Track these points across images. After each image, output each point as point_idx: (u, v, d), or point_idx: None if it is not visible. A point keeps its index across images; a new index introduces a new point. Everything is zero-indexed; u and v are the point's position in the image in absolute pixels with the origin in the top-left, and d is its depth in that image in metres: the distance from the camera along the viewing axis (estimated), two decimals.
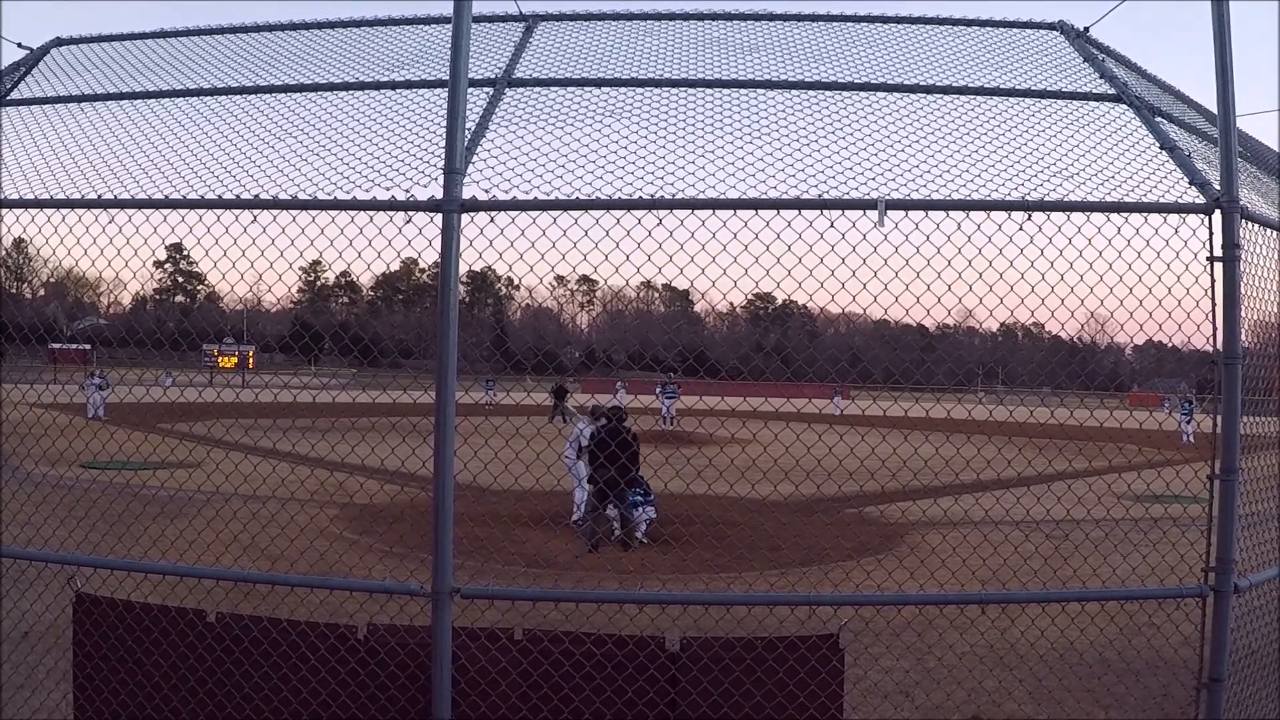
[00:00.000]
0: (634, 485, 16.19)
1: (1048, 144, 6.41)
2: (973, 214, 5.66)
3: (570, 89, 6.91)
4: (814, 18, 7.84)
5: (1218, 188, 5.67)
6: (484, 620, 6.46)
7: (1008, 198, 5.72)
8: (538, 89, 6.93)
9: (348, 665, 5.84)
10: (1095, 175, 6.06)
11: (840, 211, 5.61)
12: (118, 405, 41.83)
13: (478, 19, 7.35)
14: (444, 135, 5.68)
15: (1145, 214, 5.68)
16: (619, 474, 15.78)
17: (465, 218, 5.62)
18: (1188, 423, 45.38)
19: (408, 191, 5.82)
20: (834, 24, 7.82)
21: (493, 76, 6.94)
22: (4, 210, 6.48)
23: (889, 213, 5.53)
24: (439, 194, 5.61)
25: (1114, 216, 5.68)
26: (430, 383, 5.63)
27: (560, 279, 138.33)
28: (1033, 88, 6.98)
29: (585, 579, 13.63)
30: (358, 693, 5.84)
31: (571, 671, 5.74)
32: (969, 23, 7.81)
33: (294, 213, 6.05)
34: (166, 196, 6.20)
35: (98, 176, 6.55)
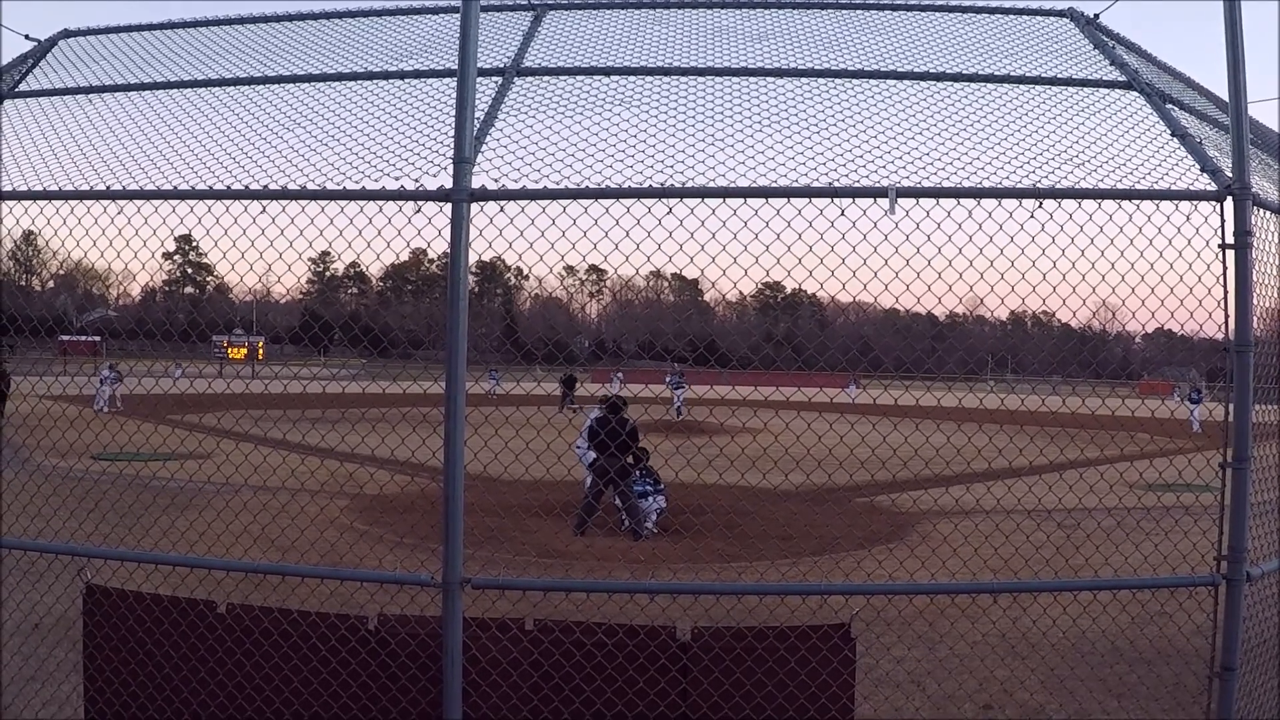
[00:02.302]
0: (625, 475, 16.30)
1: (1058, 131, 6.39)
2: (983, 202, 5.64)
3: (579, 78, 6.89)
4: (823, 5, 7.82)
5: (1229, 174, 5.64)
6: (495, 610, 6.46)
7: (1018, 185, 5.69)
8: (547, 78, 6.91)
9: (358, 656, 5.84)
10: (1106, 162, 6.04)
11: (851, 200, 5.59)
12: (127, 396, 41.95)
13: (486, 8, 7.33)
14: (453, 124, 5.67)
15: (1156, 201, 5.65)
16: (608, 462, 16.03)
17: (474, 207, 5.60)
18: (1196, 410, 45.53)
19: (417, 181, 5.81)
20: (843, 11, 7.80)
21: (502, 65, 6.92)
22: (13, 202, 6.48)
23: (899, 201, 5.51)
24: (448, 183, 5.59)
25: (1125, 204, 5.65)
26: (440, 373, 5.62)
27: (570, 268, 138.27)
28: (1043, 75, 6.95)
29: (596, 569, 13.63)
30: (368, 683, 5.84)
31: (582, 661, 5.74)
32: (979, 10, 7.78)
33: (303, 203, 6.03)
34: (175, 188, 6.20)
35: (106, 168, 6.55)
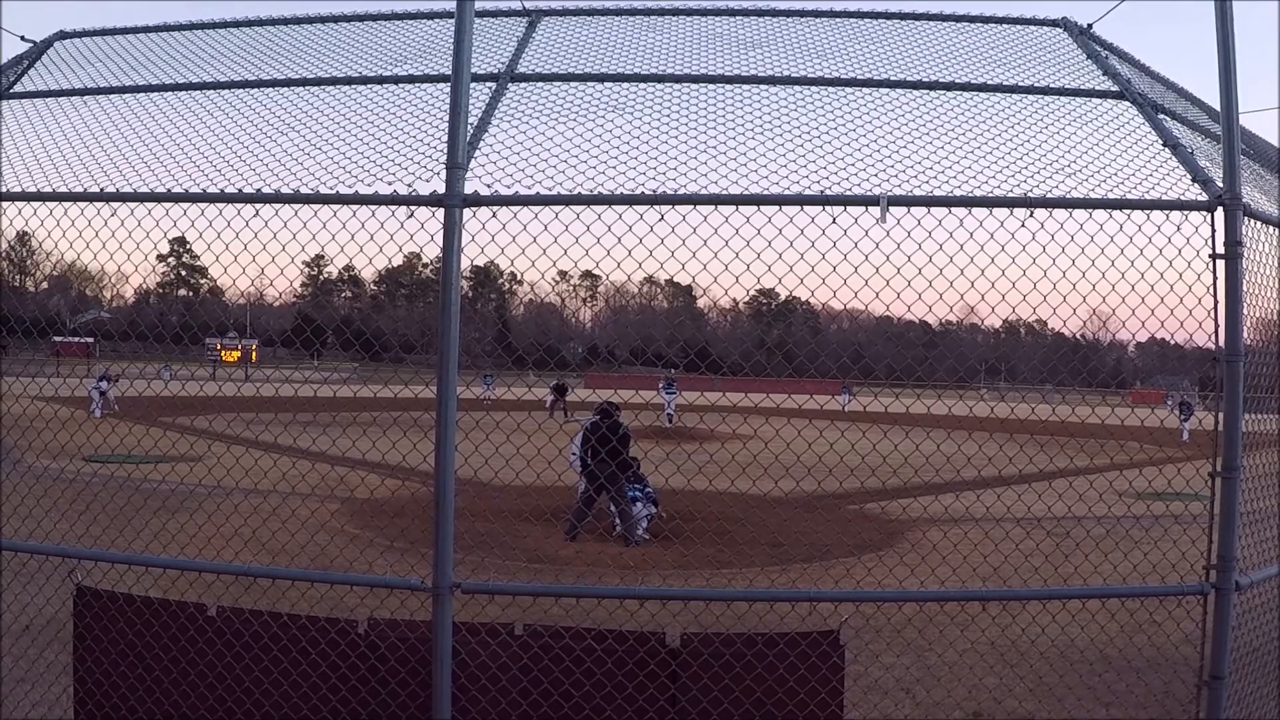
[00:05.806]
0: (616, 481, 16.28)
1: (1050, 141, 6.41)
2: (975, 210, 5.65)
3: (573, 84, 6.89)
4: (817, 14, 7.84)
5: (1220, 185, 5.66)
6: (484, 615, 6.47)
7: (1010, 194, 5.71)
8: (540, 84, 6.92)
9: (348, 660, 5.84)
10: (1098, 172, 6.06)
11: (843, 207, 5.60)
12: (120, 398, 41.88)
13: (481, 13, 7.33)
14: (446, 130, 5.68)
15: (1148, 211, 5.67)
16: (599, 468, 16.06)
17: (467, 213, 5.61)
18: (1185, 420, 45.73)
19: (410, 186, 5.82)
20: (837, 20, 7.81)
21: (495, 71, 6.93)
22: (7, 203, 6.48)
23: (891, 209, 5.52)
24: (441, 189, 5.60)
25: (1116, 213, 5.67)
26: (432, 377, 5.62)
27: (563, 274, 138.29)
28: (1036, 84, 6.97)
29: (586, 574, 13.64)
30: (358, 687, 5.84)
31: (572, 667, 5.74)
32: (972, 19, 7.80)
33: (296, 207, 6.04)
34: (169, 190, 6.20)
35: (100, 170, 6.55)
